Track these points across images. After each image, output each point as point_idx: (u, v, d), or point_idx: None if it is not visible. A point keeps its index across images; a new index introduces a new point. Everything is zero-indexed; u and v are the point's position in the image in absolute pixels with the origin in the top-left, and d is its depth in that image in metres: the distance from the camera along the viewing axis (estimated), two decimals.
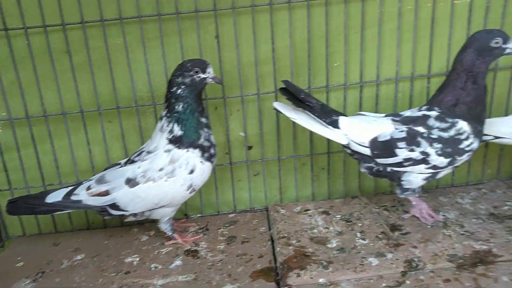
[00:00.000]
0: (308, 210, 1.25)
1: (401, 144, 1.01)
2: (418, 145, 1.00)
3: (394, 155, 1.02)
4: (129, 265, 1.09)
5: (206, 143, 1.06)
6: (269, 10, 1.14)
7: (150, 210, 1.09)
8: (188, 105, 1.02)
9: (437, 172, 1.04)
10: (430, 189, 1.31)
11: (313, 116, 1.06)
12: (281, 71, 1.21)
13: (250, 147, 1.28)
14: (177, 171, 1.04)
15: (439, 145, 1.00)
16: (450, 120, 1.00)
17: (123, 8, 1.12)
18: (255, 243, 1.13)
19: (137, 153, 1.10)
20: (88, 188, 1.07)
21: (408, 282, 0.93)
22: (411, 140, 1.01)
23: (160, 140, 1.06)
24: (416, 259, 0.99)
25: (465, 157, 1.02)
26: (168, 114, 1.04)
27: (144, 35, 1.15)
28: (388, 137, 1.02)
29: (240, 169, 1.30)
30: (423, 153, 1.01)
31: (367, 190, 1.33)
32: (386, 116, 1.07)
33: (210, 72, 1.03)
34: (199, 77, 1.02)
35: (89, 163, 1.25)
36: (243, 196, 1.33)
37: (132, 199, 1.05)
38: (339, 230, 1.14)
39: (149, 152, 1.07)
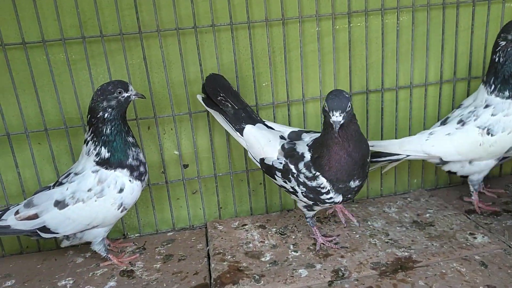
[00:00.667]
0: (245, 225, 1.28)
1: (278, 174, 1.07)
2: (289, 180, 1.05)
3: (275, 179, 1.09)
4: None
5: (135, 162, 1.07)
6: (194, 33, 1.17)
7: (82, 231, 1.07)
8: (116, 127, 1.03)
9: (312, 206, 1.08)
10: (360, 200, 1.38)
11: (226, 120, 1.14)
12: None
13: (186, 165, 1.29)
14: (106, 190, 1.04)
15: (304, 189, 1.03)
16: (313, 171, 1.00)
17: (47, 30, 1.11)
18: (192, 261, 1.14)
19: (65, 175, 1.09)
20: (17, 212, 1.05)
21: None
22: (285, 174, 1.06)
23: (86, 162, 1.05)
24: (343, 269, 1.04)
25: (327, 205, 1.05)
26: (95, 138, 1.04)
27: (71, 57, 1.14)
28: (270, 163, 1.08)
29: (178, 187, 1.31)
30: (293, 188, 1.06)
31: None
32: (290, 132, 1.12)
33: (132, 90, 1.05)
34: (123, 96, 1.03)
35: (19, 187, 1.21)
36: (183, 214, 1.33)
37: (62, 221, 1.04)
38: (273, 243, 1.17)
39: (76, 174, 1.06)
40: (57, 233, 1.06)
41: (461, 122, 1.17)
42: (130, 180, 1.05)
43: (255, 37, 1.22)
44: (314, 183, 1.00)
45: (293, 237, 1.19)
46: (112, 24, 1.15)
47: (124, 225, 1.29)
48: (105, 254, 1.13)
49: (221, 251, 1.15)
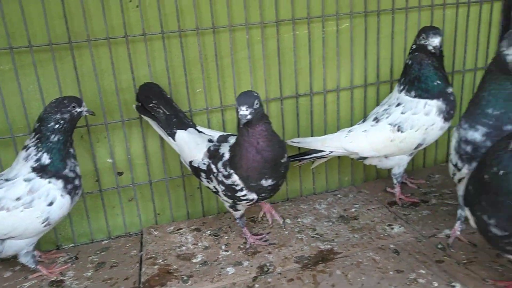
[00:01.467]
0: (180, 229, 1.30)
1: (203, 174, 1.12)
2: (211, 180, 1.10)
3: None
4: None
5: (71, 174, 1.07)
6: (125, 41, 1.20)
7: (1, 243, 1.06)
8: (64, 137, 1.05)
9: (234, 205, 1.12)
10: (294, 198, 1.43)
11: (159, 125, 1.18)
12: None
13: (120, 173, 1.31)
14: (35, 201, 1.03)
15: (223, 187, 1.07)
16: (228, 170, 1.04)
17: None
18: (124, 267, 1.15)
19: None
20: None
21: (257, 285, 1.01)
22: (207, 174, 1.10)
23: (22, 168, 1.05)
24: (268, 264, 1.08)
25: (244, 203, 1.08)
26: (39, 144, 1.04)
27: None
28: (196, 165, 1.13)
29: (113, 195, 1.32)
30: (215, 188, 1.10)
31: None
32: (219, 135, 1.16)
33: (85, 106, 1.09)
34: (76, 111, 1.07)
35: None
36: (118, 222, 1.34)
37: None
38: (206, 245, 1.20)
39: (7, 180, 1.06)
40: None
41: (376, 119, 1.25)
42: (61, 195, 1.05)
43: (187, 45, 1.26)
44: (229, 181, 1.04)
45: (226, 237, 1.23)
46: (41, 34, 1.16)
47: (58, 236, 1.29)
48: (33, 266, 1.12)
49: (153, 255, 1.17)
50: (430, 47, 1.18)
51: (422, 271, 0.99)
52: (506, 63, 0.91)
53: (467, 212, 0.86)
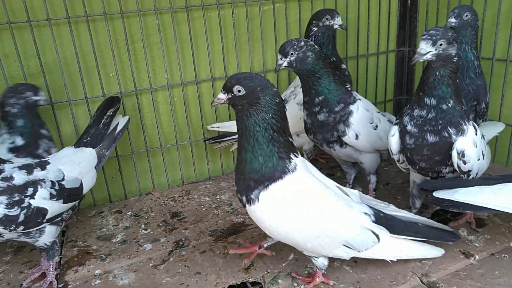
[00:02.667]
0: (102, 212, 1.34)
1: None
2: None
3: None
4: None
5: (45, 154, 1.13)
6: (25, 26, 1.18)
7: None
8: (29, 120, 1.12)
9: None
10: (215, 177, 1.52)
11: None
12: (56, 83, 1.26)
13: None
14: None
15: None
16: None
17: None
18: None
19: None
20: None
21: (171, 258, 1.08)
22: None
23: None
24: (184, 239, 1.16)
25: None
26: (10, 130, 1.12)
27: None
28: None
29: None
30: None
31: (162, 185, 1.48)
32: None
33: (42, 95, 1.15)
34: (32, 99, 1.13)
35: None
36: None
37: None
38: (127, 225, 1.25)
39: None
40: None
41: (285, 100, 1.35)
42: None
43: (96, 30, 1.27)
44: None
45: (146, 217, 1.29)
46: None
47: None
48: None
49: (74, 238, 1.20)
50: (336, 26, 1.30)
51: None
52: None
53: None
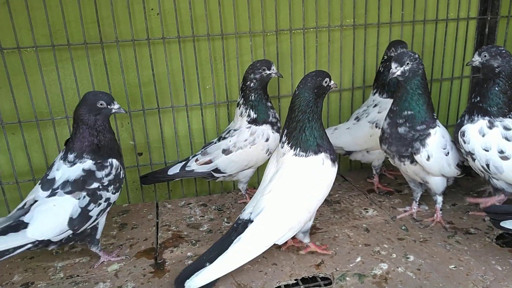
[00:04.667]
0: (190, 203, 1.54)
1: None
2: None
3: None
4: None
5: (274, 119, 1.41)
6: (144, 43, 1.43)
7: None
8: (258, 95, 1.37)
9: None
10: None
11: None
12: (162, 91, 1.49)
13: (140, 154, 1.54)
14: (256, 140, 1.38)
15: (112, 186, 1.15)
16: (106, 163, 1.14)
17: (21, 38, 1.34)
18: (143, 229, 1.38)
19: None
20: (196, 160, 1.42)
21: None
22: None
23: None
24: None
25: (123, 182, 1.20)
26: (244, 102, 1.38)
27: (43, 61, 1.37)
28: None
29: (132, 172, 1.56)
30: None
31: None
32: None
33: (273, 69, 1.37)
34: (266, 73, 1.35)
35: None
36: (137, 194, 1.58)
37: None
38: (212, 217, 1.44)
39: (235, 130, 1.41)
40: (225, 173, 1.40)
41: (357, 118, 1.48)
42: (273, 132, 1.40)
43: (200, 48, 1.49)
44: None
45: (228, 212, 1.46)
46: (77, 34, 1.38)
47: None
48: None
49: (168, 223, 1.40)
50: None
51: (385, 245, 1.22)
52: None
53: None
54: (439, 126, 1.22)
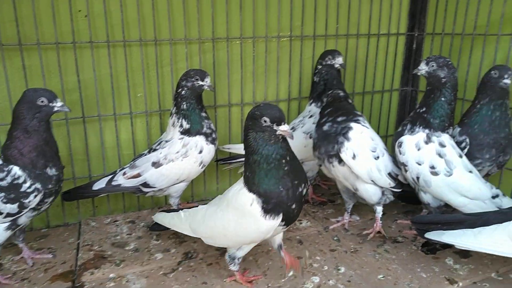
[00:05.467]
0: (116, 221, 1.44)
1: None
2: None
3: None
4: None
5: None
6: (70, 47, 1.32)
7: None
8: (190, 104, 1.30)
9: (16, 219, 1.09)
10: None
11: None
12: (89, 99, 1.39)
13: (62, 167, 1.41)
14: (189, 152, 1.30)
15: (2, 194, 1.05)
16: (6, 168, 1.06)
17: None
18: (62, 252, 1.26)
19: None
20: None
21: (180, 268, 1.18)
22: None
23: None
24: (192, 251, 1.25)
25: (32, 198, 1.07)
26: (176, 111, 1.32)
27: None
28: None
29: None
30: None
31: None
32: None
33: (207, 81, 1.31)
34: (198, 83, 1.29)
35: None
36: (57, 211, 1.44)
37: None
38: (140, 235, 1.35)
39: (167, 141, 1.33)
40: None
41: (293, 128, 1.47)
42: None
43: (131, 53, 1.41)
44: (8, 179, 1.06)
45: None
46: None
47: None
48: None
49: (90, 243, 1.30)
50: (337, 65, 1.45)
51: (318, 258, 1.22)
52: None
53: None
54: (365, 125, 1.26)
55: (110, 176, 1.33)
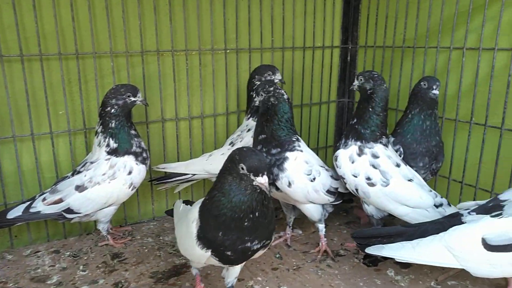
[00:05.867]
0: (38, 251, 1.29)
1: None
2: None
3: None
4: None
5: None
6: None
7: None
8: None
9: None
10: (159, 218, 1.53)
11: None
12: (2, 119, 1.25)
13: None
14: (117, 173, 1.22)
15: None
16: None
17: None
18: None
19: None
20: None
21: None
22: None
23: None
24: (123, 281, 1.15)
25: None
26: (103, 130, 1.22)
27: None
28: None
29: None
30: None
31: None
32: None
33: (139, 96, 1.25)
34: (131, 100, 1.23)
35: None
36: None
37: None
38: (64, 266, 1.22)
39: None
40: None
41: (232, 143, 1.42)
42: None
43: (50, 68, 1.29)
44: None
45: (85, 258, 1.26)
46: None
47: None
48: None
49: (4, 280, 1.15)
50: (276, 81, 1.43)
51: (259, 278, 1.16)
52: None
53: None
54: (301, 150, 1.21)
55: (29, 203, 1.20)
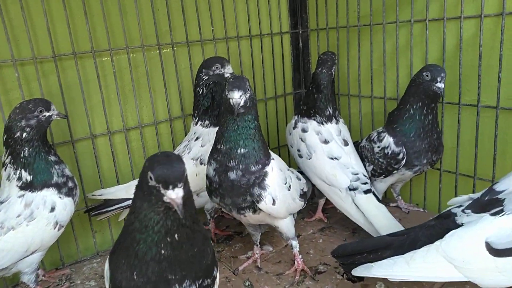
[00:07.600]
0: None
1: None
2: None
3: None
4: None
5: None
6: None
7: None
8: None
9: None
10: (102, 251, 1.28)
11: None
12: None
13: None
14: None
15: None
16: None
17: None
18: None
19: None
20: None
21: None
22: None
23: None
24: None
25: None
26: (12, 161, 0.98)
27: None
28: None
29: None
30: None
31: None
32: None
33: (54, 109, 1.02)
34: (44, 115, 0.99)
35: None
36: None
37: None
38: None
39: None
40: None
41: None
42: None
43: None
44: None
45: None
46: None
47: None
48: None
49: None
50: (227, 74, 1.21)
51: None
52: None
53: None
54: (273, 158, 1.00)
55: None
